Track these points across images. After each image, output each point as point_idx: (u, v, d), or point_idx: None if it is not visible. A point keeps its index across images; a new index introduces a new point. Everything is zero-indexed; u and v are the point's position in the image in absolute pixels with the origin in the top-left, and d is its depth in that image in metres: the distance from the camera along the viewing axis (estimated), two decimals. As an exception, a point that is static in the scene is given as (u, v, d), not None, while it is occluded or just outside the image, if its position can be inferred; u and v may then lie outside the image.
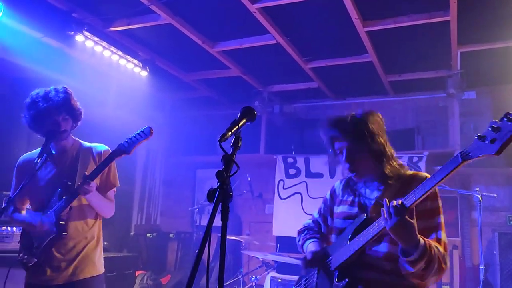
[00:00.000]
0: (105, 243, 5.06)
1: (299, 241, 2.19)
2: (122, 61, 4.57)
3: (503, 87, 5.24)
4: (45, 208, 2.47)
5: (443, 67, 4.85)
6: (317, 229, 2.18)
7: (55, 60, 4.19)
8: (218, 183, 1.36)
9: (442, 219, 1.76)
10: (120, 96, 5.11)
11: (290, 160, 5.80)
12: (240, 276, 4.82)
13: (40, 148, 2.50)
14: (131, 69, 4.70)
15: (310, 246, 2.04)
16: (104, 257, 4.38)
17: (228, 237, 4.70)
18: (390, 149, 1.89)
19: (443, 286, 5.05)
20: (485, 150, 1.39)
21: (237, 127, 1.48)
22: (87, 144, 2.65)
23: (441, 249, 1.66)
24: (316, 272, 1.97)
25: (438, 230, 1.73)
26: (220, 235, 1.37)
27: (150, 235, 6.13)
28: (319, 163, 5.61)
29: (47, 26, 3.86)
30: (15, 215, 2.56)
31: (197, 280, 5.44)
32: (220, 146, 1.38)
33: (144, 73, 4.79)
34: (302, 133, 5.86)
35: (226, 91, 5.94)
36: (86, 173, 2.37)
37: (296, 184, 5.74)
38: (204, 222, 5.63)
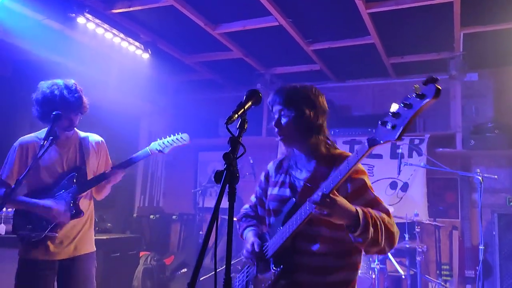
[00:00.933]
0: (109, 224, 5.16)
1: (238, 229, 2.19)
2: (124, 44, 4.55)
3: (505, 69, 5.22)
4: (51, 189, 2.68)
5: (446, 49, 4.83)
6: (254, 214, 2.19)
7: (57, 43, 4.18)
8: (225, 165, 1.39)
9: (373, 193, 1.79)
10: (122, 79, 5.11)
11: (291, 142, 5.81)
12: (243, 257, 4.89)
13: (41, 132, 2.75)
14: (133, 52, 4.68)
15: (248, 235, 2.05)
16: (107, 238, 4.49)
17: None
18: (324, 129, 1.93)
19: (442, 266, 5.13)
20: (387, 136, 1.41)
21: (243, 109, 1.51)
22: (82, 133, 2.89)
23: (383, 214, 1.69)
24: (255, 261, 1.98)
25: (375, 202, 1.76)
26: (224, 216, 1.41)
27: (153, 217, 6.20)
28: (320, 145, 5.62)
29: (49, 8, 3.84)
30: (20, 198, 2.65)
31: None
32: (227, 128, 1.41)
33: (146, 56, 4.78)
34: (304, 116, 5.85)
35: (228, 74, 5.93)
36: (111, 165, 2.83)
37: (298, 166, 5.77)
38: (207, 204, 5.69)
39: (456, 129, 5.13)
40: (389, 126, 1.40)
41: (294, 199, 1.83)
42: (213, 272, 1.40)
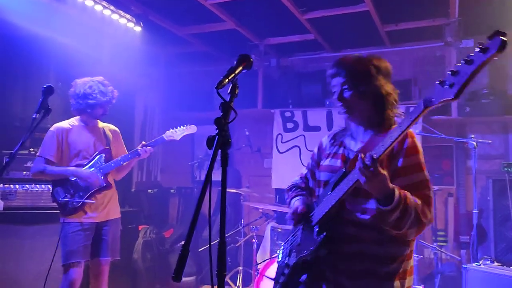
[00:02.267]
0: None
1: (287, 199, 2.19)
2: (115, 16, 4.48)
3: (501, 35, 5.18)
4: (83, 166, 3.32)
5: (441, 15, 4.77)
6: (305, 185, 2.17)
7: (46, 17, 4.10)
8: (217, 130, 1.38)
9: (426, 176, 1.74)
10: (114, 53, 5.03)
11: (287, 114, 5.81)
12: (241, 227, 4.95)
13: (71, 119, 3.42)
14: (125, 25, 4.61)
15: (296, 203, 2.04)
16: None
17: (228, 190, 4.79)
18: (394, 97, 1.84)
19: (438, 232, 5.21)
20: (444, 94, 1.37)
21: (234, 74, 1.49)
22: (101, 123, 3.55)
23: (419, 201, 1.65)
24: (301, 228, 1.98)
25: (422, 187, 1.71)
26: (219, 188, 1.40)
27: (151, 191, 6.23)
28: (317, 116, 5.63)
29: (36, -19, 3.75)
30: (56, 168, 3.27)
31: (199, 233, 5.60)
32: (218, 93, 1.40)
33: (138, 29, 4.71)
34: (300, 87, 5.82)
35: (221, 45, 5.87)
36: (144, 142, 3.52)
37: (294, 138, 5.78)
38: (204, 177, 5.71)
39: (451, 96, 5.11)
40: (446, 85, 1.36)
41: (344, 168, 1.79)
42: (213, 243, 1.40)
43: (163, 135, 3.64)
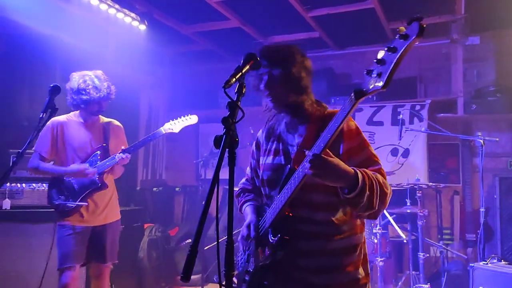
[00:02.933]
0: (113, 197, 5.22)
1: (238, 204, 2.14)
2: (120, 15, 4.48)
3: (507, 32, 5.14)
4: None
5: (447, 12, 4.74)
6: (252, 187, 2.13)
7: (52, 16, 4.11)
8: (224, 129, 1.38)
9: (371, 150, 1.74)
10: (119, 52, 5.04)
11: (292, 112, 5.79)
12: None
13: (70, 114, 3.27)
14: (129, 23, 4.61)
15: (247, 211, 2.00)
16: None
17: (234, 188, 4.78)
18: (311, 92, 1.86)
19: (444, 230, 5.19)
20: (373, 84, 1.36)
21: (241, 73, 1.49)
22: (105, 119, 3.38)
23: (378, 175, 1.64)
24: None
25: (370, 161, 1.71)
26: (226, 187, 1.40)
27: (156, 189, 6.24)
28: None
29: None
30: (48, 165, 3.14)
31: (205, 232, 5.61)
32: (225, 92, 1.39)
33: (143, 27, 4.71)
34: (304, 85, 5.81)
35: (226, 43, 5.86)
36: (123, 147, 3.21)
37: (299, 136, 5.77)
38: (209, 175, 5.71)
39: (458, 94, 5.10)
40: (374, 74, 1.35)
41: (289, 166, 1.77)
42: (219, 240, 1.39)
43: (161, 128, 3.41)
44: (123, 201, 5.62)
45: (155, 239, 5.20)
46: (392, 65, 1.30)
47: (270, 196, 1.89)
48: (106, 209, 3.20)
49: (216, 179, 1.34)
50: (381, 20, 4.85)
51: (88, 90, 3.05)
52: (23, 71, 4.11)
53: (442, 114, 5.08)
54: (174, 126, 3.43)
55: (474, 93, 5.07)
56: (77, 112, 3.24)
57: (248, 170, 2.17)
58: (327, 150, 1.54)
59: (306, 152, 1.56)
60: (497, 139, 4.29)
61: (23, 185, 3.72)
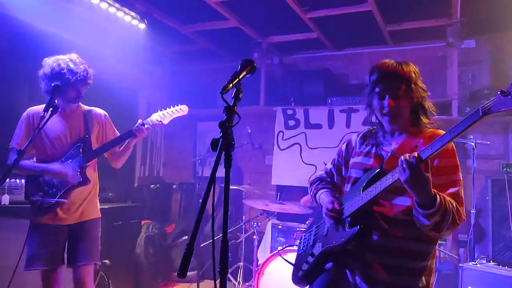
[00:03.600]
0: (110, 194, 5.25)
1: (311, 191, 2.24)
2: (120, 14, 4.53)
3: (502, 35, 5.21)
4: (58, 158, 2.89)
5: (443, 15, 4.80)
6: (330, 179, 2.24)
7: (53, 14, 4.16)
8: (221, 133, 1.44)
9: (460, 176, 1.81)
10: (119, 51, 5.09)
11: (289, 111, 5.86)
12: (242, 224, 5.01)
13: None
14: (129, 22, 4.66)
15: (323, 196, 2.10)
16: (109, 207, 4.61)
17: (230, 186, 4.84)
18: (428, 103, 1.97)
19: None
20: (507, 104, 1.44)
21: (237, 79, 1.54)
22: (86, 107, 3.09)
23: (454, 203, 1.72)
24: (326, 221, 2.04)
25: (455, 186, 1.78)
26: (222, 185, 1.46)
27: (154, 186, 6.30)
28: (318, 114, 5.67)
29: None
30: (28, 163, 2.88)
31: (201, 229, 5.67)
32: (222, 97, 1.45)
33: (142, 26, 4.75)
34: (302, 85, 5.86)
35: (225, 43, 5.91)
36: (140, 120, 3.01)
37: (296, 135, 5.83)
38: (206, 173, 5.78)
39: (452, 96, 5.16)
40: (510, 96, 1.42)
41: (378, 167, 1.87)
42: (216, 237, 1.45)
43: (148, 119, 3.10)
44: (120, 197, 5.70)
45: (152, 236, 5.26)
46: None
47: (350, 192, 1.99)
48: (83, 205, 2.94)
49: (212, 180, 1.40)
50: (379, 22, 4.91)
51: (62, 74, 2.79)
52: (23, 68, 4.15)
53: (436, 117, 5.13)
54: (163, 117, 3.14)
55: (469, 96, 5.14)
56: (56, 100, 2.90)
57: (329, 164, 2.28)
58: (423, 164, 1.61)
59: (408, 155, 1.62)
60: (488, 142, 4.36)
61: (22, 181, 3.76)
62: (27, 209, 3.63)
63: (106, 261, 3.82)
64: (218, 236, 1.44)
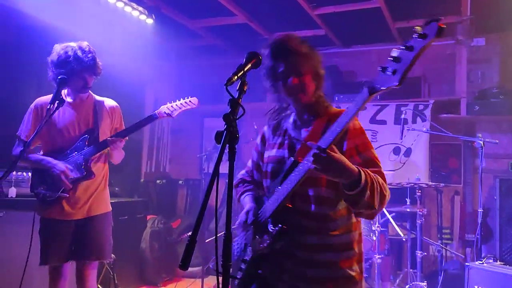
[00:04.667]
0: (116, 189, 5.27)
1: (236, 195, 2.15)
2: (128, 8, 4.54)
3: (512, 33, 5.16)
4: (64, 150, 2.79)
5: (453, 12, 4.76)
6: (251, 179, 2.16)
7: (60, 8, 4.17)
8: (225, 125, 1.42)
9: (373, 153, 1.76)
10: (126, 45, 5.09)
11: (296, 108, 5.82)
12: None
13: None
14: (137, 17, 4.67)
15: (246, 200, 2.02)
16: (116, 202, 4.58)
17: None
18: (322, 85, 1.89)
19: (443, 230, 5.23)
20: (388, 81, 1.37)
21: (242, 71, 1.53)
22: (98, 97, 2.96)
23: (378, 176, 1.66)
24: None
25: (374, 165, 1.72)
26: (227, 181, 1.44)
27: (160, 182, 6.31)
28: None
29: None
30: (32, 156, 2.79)
31: (206, 225, 5.67)
32: (227, 90, 1.44)
33: (150, 21, 4.76)
34: (309, 82, 5.84)
35: (232, 39, 5.90)
36: (116, 128, 2.88)
37: (302, 132, 5.79)
38: (212, 169, 5.77)
39: (461, 95, 5.12)
40: (389, 72, 1.36)
41: (292, 158, 1.79)
42: (218, 234, 1.42)
43: (156, 111, 2.98)
44: (126, 192, 5.73)
45: (158, 231, 5.27)
46: (408, 64, 1.33)
47: (271, 188, 1.91)
48: (91, 200, 2.81)
49: (216, 173, 1.39)
50: (387, 19, 4.88)
51: (68, 62, 2.68)
52: (31, 62, 4.17)
53: (445, 115, 5.11)
54: (172, 110, 2.98)
55: (478, 94, 5.09)
56: (65, 90, 2.85)
57: (249, 162, 2.20)
58: (333, 145, 1.55)
59: (310, 145, 1.56)
60: (497, 141, 4.31)
61: (29, 173, 3.77)
62: (34, 202, 3.65)
63: (111, 255, 3.82)
64: (222, 233, 1.43)
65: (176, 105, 2.98)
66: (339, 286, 1.78)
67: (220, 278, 1.36)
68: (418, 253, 4.29)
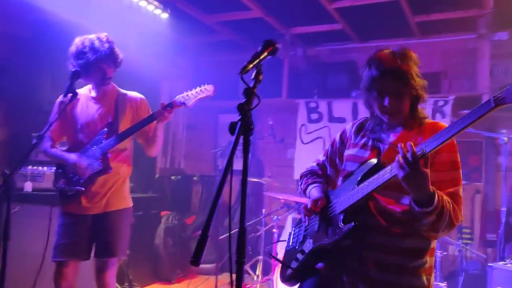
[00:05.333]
0: (131, 184, 5.24)
1: (301, 185, 2.12)
2: (142, 3, 4.51)
3: (538, 27, 4.99)
4: (84, 144, 2.78)
5: (474, 6, 4.62)
6: (322, 172, 2.11)
7: (76, 3, 4.16)
8: (239, 116, 1.36)
9: (460, 174, 1.71)
10: (141, 41, 5.07)
11: (312, 104, 5.75)
12: (262, 217, 4.95)
13: (82, 89, 2.85)
14: (152, 11, 4.64)
15: (313, 191, 1.98)
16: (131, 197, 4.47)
17: (250, 179, 4.78)
18: (424, 92, 1.82)
19: (463, 229, 5.09)
20: None
21: (258, 59, 1.47)
22: (122, 90, 2.92)
23: (452, 203, 1.62)
24: (318, 216, 1.93)
25: (455, 184, 1.68)
26: (241, 178, 1.38)
27: (175, 178, 6.29)
28: (342, 107, 5.54)
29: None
30: (51, 150, 2.81)
31: (220, 222, 5.64)
32: (241, 78, 1.38)
33: (165, 16, 4.72)
34: (325, 77, 5.75)
35: (248, 34, 5.83)
36: (163, 103, 2.76)
37: (319, 129, 5.71)
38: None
39: (483, 90, 4.97)
40: None
41: (376, 159, 1.76)
42: (233, 231, 1.38)
43: (172, 101, 2.83)
44: (141, 188, 5.71)
45: (172, 227, 5.25)
46: None
47: (344, 185, 1.87)
48: (109, 195, 2.76)
49: (229, 164, 1.33)
50: (406, 13, 4.76)
51: (84, 53, 2.66)
52: (46, 56, 4.17)
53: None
54: (187, 98, 2.82)
55: (500, 90, 4.93)
56: (90, 85, 2.86)
57: (321, 156, 2.16)
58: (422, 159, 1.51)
59: (400, 149, 1.52)
60: (522, 137, 4.17)
61: (44, 168, 3.78)
62: (49, 196, 3.66)
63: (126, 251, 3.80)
64: (236, 229, 1.37)
65: (192, 93, 2.83)
66: None
67: (234, 276, 1.30)
68: (438, 253, 4.18)
